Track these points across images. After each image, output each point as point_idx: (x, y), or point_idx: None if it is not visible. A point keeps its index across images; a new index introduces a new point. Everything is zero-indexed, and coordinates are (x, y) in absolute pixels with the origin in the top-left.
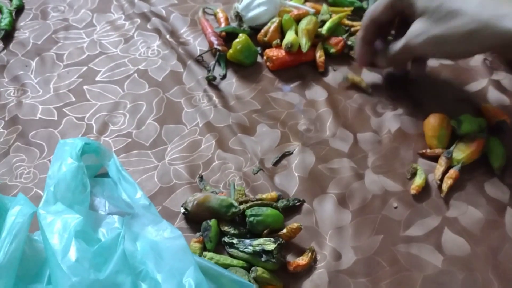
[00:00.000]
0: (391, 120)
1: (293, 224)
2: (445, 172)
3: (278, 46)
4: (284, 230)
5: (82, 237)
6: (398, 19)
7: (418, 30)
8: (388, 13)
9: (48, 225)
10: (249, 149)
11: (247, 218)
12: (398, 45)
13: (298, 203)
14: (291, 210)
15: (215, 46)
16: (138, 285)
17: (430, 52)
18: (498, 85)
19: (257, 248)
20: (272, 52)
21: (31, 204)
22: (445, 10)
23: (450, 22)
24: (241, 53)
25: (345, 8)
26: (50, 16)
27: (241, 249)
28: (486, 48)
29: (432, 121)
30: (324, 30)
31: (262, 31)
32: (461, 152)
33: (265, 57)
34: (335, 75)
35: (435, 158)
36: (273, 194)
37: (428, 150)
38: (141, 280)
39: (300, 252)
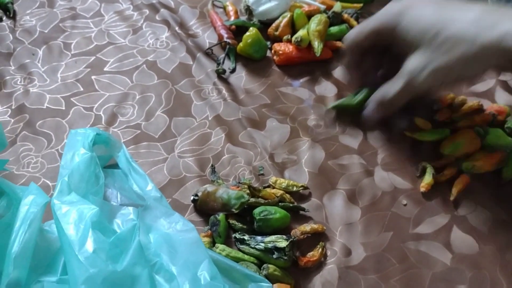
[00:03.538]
0: (401, 118)
1: (319, 225)
2: (454, 178)
3: (288, 41)
4: (308, 229)
5: (98, 228)
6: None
7: (419, 65)
8: (372, 39)
9: (63, 216)
10: (259, 144)
11: (255, 222)
12: (396, 85)
13: (298, 209)
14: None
15: (225, 40)
16: (153, 277)
17: (436, 85)
18: (506, 86)
19: (269, 245)
20: (280, 47)
21: (44, 194)
22: (443, 38)
23: (452, 49)
24: (251, 47)
25: (355, 4)
26: (57, 4)
27: (253, 246)
28: (493, 67)
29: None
30: None
31: (273, 25)
32: (474, 160)
33: (273, 51)
34: (345, 71)
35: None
36: (275, 191)
37: (439, 162)
38: (155, 272)
39: (310, 247)
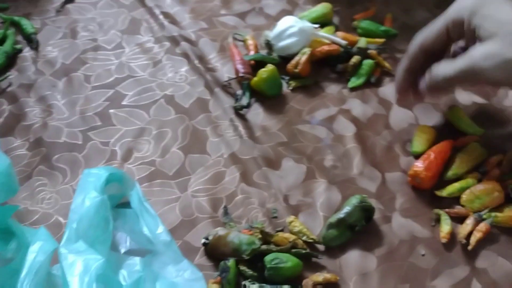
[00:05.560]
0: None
1: (332, 275)
2: (471, 231)
3: (428, 159)
4: (321, 279)
5: (103, 281)
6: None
7: (488, 51)
8: (443, 39)
9: (69, 266)
10: (273, 184)
11: (266, 271)
12: (455, 66)
13: (311, 256)
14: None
15: (241, 74)
16: None
17: (498, 78)
18: None
19: None
20: (419, 168)
21: (52, 240)
22: None
23: None
24: (265, 83)
25: (377, 39)
26: (80, 35)
27: None
28: None
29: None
30: None
31: (293, 61)
32: (498, 211)
33: (409, 178)
34: (365, 109)
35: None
36: (288, 236)
37: (453, 210)
38: None
39: None
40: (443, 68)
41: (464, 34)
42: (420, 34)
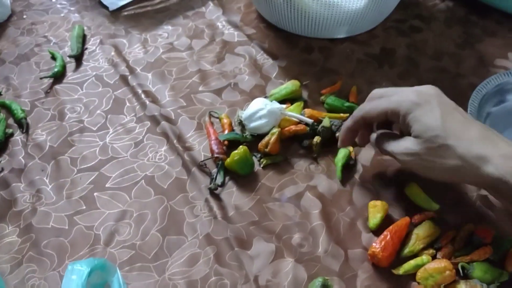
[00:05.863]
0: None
1: None
2: None
3: (385, 239)
4: None
5: None
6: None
7: (409, 149)
8: (381, 118)
9: None
10: (244, 265)
11: None
12: (389, 147)
13: None
14: None
15: (215, 155)
16: None
17: (415, 171)
18: (486, 201)
19: None
20: (377, 250)
21: None
22: (438, 143)
23: (439, 154)
24: (238, 164)
25: (341, 114)
26: (67, 117)
27: None
28: (468, 183)
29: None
30: None
31: (263, 141)
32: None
33: (368, 256)
34: (330, 184)
35: None
36: None
37: None
38: None
39: None
40: (388, 145)
41: (400, 120)
42: (366, 106)
